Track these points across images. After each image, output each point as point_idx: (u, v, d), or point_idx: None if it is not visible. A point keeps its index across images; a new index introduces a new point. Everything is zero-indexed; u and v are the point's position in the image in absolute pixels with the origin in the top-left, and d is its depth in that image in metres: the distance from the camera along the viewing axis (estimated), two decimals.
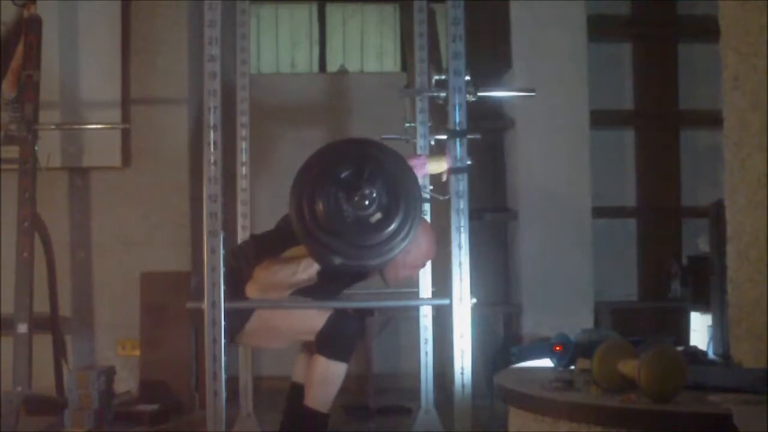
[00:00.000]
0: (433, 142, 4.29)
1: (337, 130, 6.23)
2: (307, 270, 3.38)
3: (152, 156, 5.79)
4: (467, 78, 3.14)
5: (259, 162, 4.80)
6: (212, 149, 3.03)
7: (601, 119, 5.97)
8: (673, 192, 6.36)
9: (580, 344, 2.92)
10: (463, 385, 3.04)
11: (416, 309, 4.36)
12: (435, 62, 5.01)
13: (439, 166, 3.64)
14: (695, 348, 3.09)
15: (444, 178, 3.42)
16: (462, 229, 3.08)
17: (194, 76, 5.65)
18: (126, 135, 5.72)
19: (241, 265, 3.50)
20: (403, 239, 3.15)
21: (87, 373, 4.75)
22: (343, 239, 3.10)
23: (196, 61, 5.52)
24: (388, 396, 5.59)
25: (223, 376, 3.00)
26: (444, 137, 3.31)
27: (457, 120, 3.11)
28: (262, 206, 5.23)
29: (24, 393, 4.64)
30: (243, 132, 4.47)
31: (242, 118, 4.47)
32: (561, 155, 5.70)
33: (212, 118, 3.03)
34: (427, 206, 4.00)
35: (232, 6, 4.51)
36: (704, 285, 3.10)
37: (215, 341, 2.99)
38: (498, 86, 5.63)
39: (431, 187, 3.92)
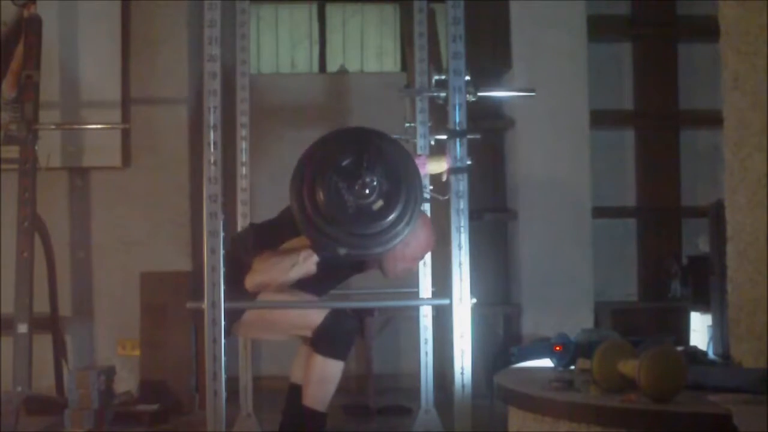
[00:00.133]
0: (433, 142, 4.28)
1: None
2: (307, 261, 3.37)
3: (152, 156, 5.79)
4: (467, 78, 3.13)
5: (259, 162, 4.80)
6: (212, 149, 3.03)
7: (601, 119, 5.97)
8: (673, 192, 6.36)
9: (580, 344, 2.92)
10: (463, 385, 3.04)
11: (416, 309, 4.36)
12: (435, 62, 5.01)
13: (439, 166, 3.64)
14: (695, 348, 3.08)
15: (444, 178, 3.42)
16: (462, 229, 3.07)
17: (194, 76, 5.66)
18: (126, 135, 5.73)
19: (240, 253, 3.49)
20: (405, 225, 3.15)
21: (87, 373, 4.75)
22: (346, 228, 3.11)
23: (196, 61, 5.52)
24: (388, 396, 5.59)
25: (223, 376, 3.00)
26: (444, 137, 3.30)
27: (457, 120, 3.11)
28: (262, 206, 5.22)
29: (24, 393, 4.64)
30: (243, 132, 4.47)
31: (242, 118, 4.47)
32: (561, 155, 5.70)
33: (212, 118, 3.03)
34: (427, 206, 4.00)
35: (232, 6, 4.51)
36: (704, 285, 3.10)
37: (215, 341, 2.99)
38: (498, 86, 5.63)
39: (431, 187, 3.92)
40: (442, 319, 3.60)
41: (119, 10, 5.77)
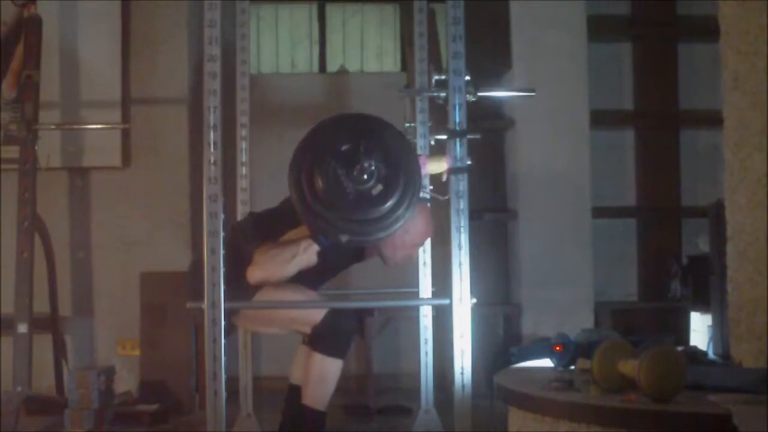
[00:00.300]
0: (433, 142, 4.28)
1: None
2: (308, 251, 3.37)
3: (152, 156, 5.80)
4: (467, 78, 3.14)
5: (259, 162, 4.80)
6: (212, 149, 3.03)
7: (601, 119, 5.97)
8: (673, 192, 6.36)
9: (580, 344, 2.92)
10: (463, 385, 3.04)
11: (416, 309, 4.36)
12: (435, 62, 5.01)
13: (439, 166, 3.63)
14: (695, 348, 3.09)
15: (444, 178, 3.42)
16: (462, 229, 3.07)
17: (194, 76, 5.66)
18: (126, 135, 5.73)
19: (240, 242, 3.49)
20: (405, 210, 3.15)
21: (87, 373, 4.74)
22: (345, 214, 3.10)
23: (196, 61, 5.52)
24: (388, 396, 5.59)
25: (223, 376, 3.00)
26: (444, 137, 3.30)
27: (457, 120, 3.11)
28: (262, 206, 5.22)
29: (24, 393, 4.64)
30: (243, 132, 4.46)
31: (242, 118, 4.46)
32: (561, 155, 5.70)
33: (212, 118, 3.03)
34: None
35: (232, 6, 4.51)
36: (704, 285, 3.10)
37: (215, 341, 2.99)
38: (498, 86, 5.63)
39: (431, 187, 3.92)
40: (442, 319, 3.60)
41: (119, 10, 5.77)
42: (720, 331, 2.91)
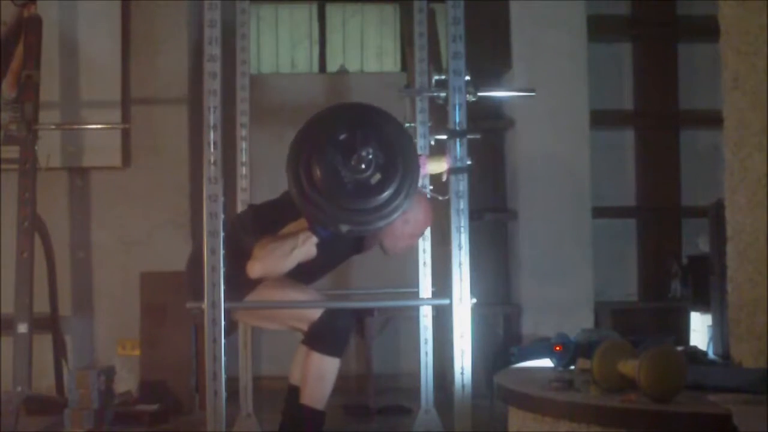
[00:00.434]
0: (433, 142, 4.28)
1: None
2: (307, 243, 3.36)
3: (152, 156, 5.80)
4: (467, 78, 3.14)
5: (259, 162, 4.80)
6: (212, 149, 3.03)
7: (601, 119, 5.97)
8: (673, 192, 6.36)
9: (580, 344, 2.92)
10: (463, 385, 3.04)
11: (416, 309, 4.36)
12: (435, 62, 5.01)
13: (439, 166, 3.63)
14: (695, 348, 3.09)
15: (444, 178, 3.42)
16: (462, 229, 3.07)
17: (194, 76, 5.65)
18: (126, 135, 5.73)
19: (240, 235, 3.49)
20: (404, 198, 3.14)
21: (87, 373, 4.74)
22: (344, 204, 3.10)
23: (196, 61, 5.52)
24: (388, 396, 5.59)
25: (223, 376, 3.00)
26: (444, 137, 3.30)
27: (457, 120, 3.11)
28: None
29: (24, 393, 4.64)
30: (243, 132, 4.47)
31: (242, 118, 4.47)
32: (561, 155, 5.70)
33: (212, 118, 3.03)
34: None
35: (232, 6, 4.51)
36: (704, 285, 3.10)
37: (215, 341, 2.99)
38: (498, 86, 5.63)
39: (431, 187, 3.92)
40: (442, 319, 3.60)
41: (119, 10, 5.77)
42: (720, 331, 2.91)
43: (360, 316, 5.20)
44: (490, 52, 5.98)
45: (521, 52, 5.74)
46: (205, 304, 3.00)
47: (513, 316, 5.68)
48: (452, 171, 3.11)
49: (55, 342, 5.27)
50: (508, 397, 2.71)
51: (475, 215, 4.69)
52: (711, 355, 2.98)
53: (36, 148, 5.04)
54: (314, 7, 6.84)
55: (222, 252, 3.00)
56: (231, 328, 3.65)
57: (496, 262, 5.88)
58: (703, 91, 6.16)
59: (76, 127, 5.66)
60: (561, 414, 2.44)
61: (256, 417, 4.35)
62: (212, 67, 3.03)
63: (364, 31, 6.87)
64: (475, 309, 3.10)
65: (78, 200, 5.79)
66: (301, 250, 3.38)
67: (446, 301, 3.09)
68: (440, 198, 3.49)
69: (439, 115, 4.10)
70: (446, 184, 3.22)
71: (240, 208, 4.41)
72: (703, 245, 4.38)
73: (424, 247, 4.16)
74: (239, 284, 3.35)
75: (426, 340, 4.18)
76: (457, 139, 3.11)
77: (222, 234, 3.00)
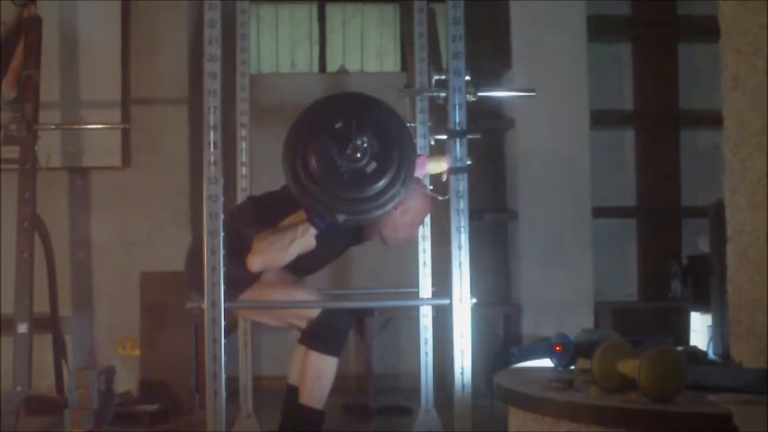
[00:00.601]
0: (433, 142, 4.28)
1: None
2: (306, 234, 3.37)
3: (152, 156, 5.80)
4: (467, 78, 3.14)
5: (259, 162, 4.80)
6: (212, 149, 3.03)
7: (601, 119, 5.97)
8: (673, 192, 6.36)
9: (580, 344, 2.92)
10: (463, 385, 3.04)
11: (416, 309, 4.36)
12: (435, 62, 5.01)
13: (439, 166, 3.64)
14: (695, 348, 3.09)
15: (444, 178, 3.42)
16: (462, 229, 3.08)
17: (194, 76, 5.65)
18: (126, 135, 5.73)
19: (239, 227, 3.49)
20: (401, 186, 3.14)
21: (87, 373, 4.74)
22: (341, 193, 3.10)
23: (196, 61, 5.52)
24: (388, 396, 5.59)
25: (223, 376, 3.00)
26: (444, 137, 3.30)
27: (457, 120, 3.11)
28: None
29: (24, 393, 4.64)
30: (243, 132, 4.47)
31: (242, 118, 4.47)
32: (561, 155, 5.70)
33: (212, 118, 3.03)
34: None
35: (232, 6, 4.51)
36: (704, 285, 3.10)
37: (215, 341, 2.99)
38: (498, 86, 5.63)
39: (431, 187, 3.92)
40: (442, 319, 3.60)
41: (119, 10, 5.77)
42: (720, 331, 2.91)
43: (360, 316, 5.20)
44: (490, 52, 5.98)
45: (521, 52, 5.73)
46: (205, 304, 3.00)
47: (513, 316, 5.68)
48: (452, 171, 3.11)
49: (55, 342, 5.27)
50: (508, 397, 2.71)
51: (475, 215, 4.69)
52: (711, 355, 2.98)
53: (36, 148, 5.04)
54: (314, 7, 6.84)
55: (222, 252, 3.00)
56: (231, 324, 3.65)
57: (496, 262, 5.88)
58: (703, 91, 6.16)
59: (76, 127, 5.66)
60: (561, 414, 2.45)
61: (256, 417, 4.35)
62: (212, 67, 3.03)
63: (364, 31, 6.87)
64: (475, 309, 3.10)
65: (78, 200, 5.79)
66: (301, 241, 3.38)
67: (446, 301, 3.09)
68: (440, 198, 3.49)
69: (439, 115, 4.10)
70: (446, 184, 3.22)
71: None
72: (703, 245, 4.38)
73: (424, 247, 4.16)
74: (239, 278, 3.36)
75: (426, 340, 4.19)
76: (457, 139, 3.11)
77: (222, 234, 3.00)
